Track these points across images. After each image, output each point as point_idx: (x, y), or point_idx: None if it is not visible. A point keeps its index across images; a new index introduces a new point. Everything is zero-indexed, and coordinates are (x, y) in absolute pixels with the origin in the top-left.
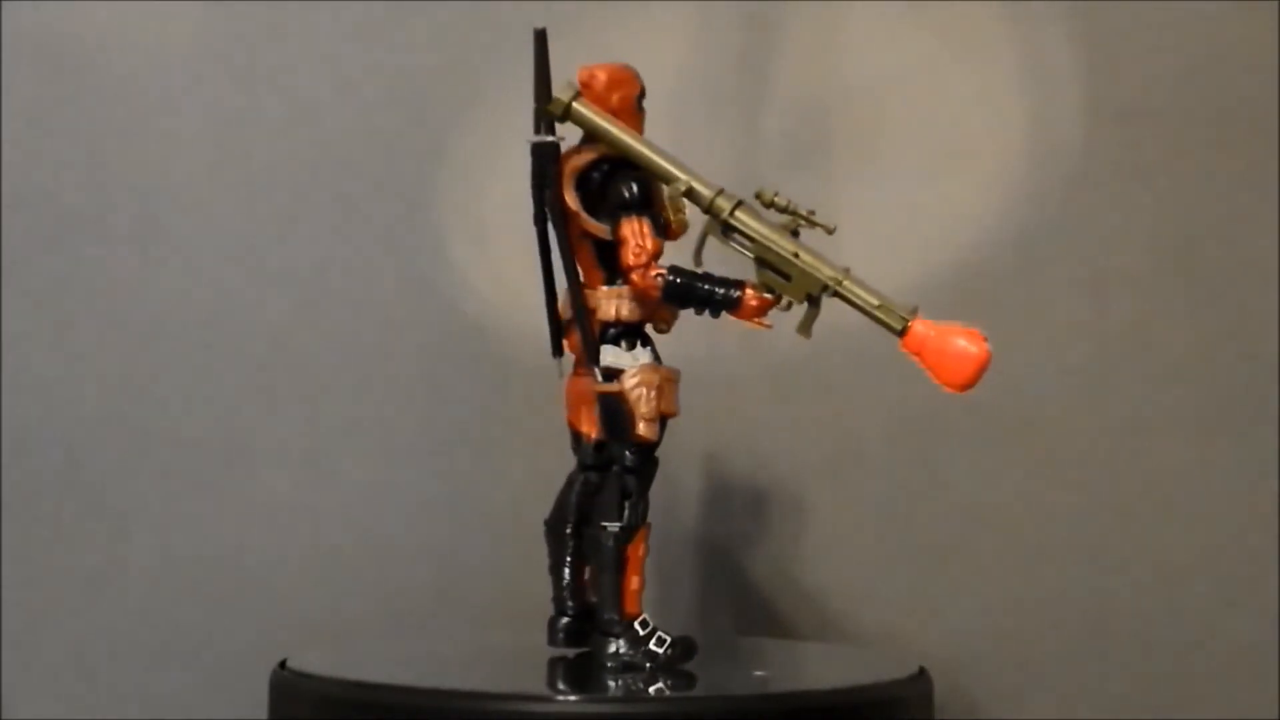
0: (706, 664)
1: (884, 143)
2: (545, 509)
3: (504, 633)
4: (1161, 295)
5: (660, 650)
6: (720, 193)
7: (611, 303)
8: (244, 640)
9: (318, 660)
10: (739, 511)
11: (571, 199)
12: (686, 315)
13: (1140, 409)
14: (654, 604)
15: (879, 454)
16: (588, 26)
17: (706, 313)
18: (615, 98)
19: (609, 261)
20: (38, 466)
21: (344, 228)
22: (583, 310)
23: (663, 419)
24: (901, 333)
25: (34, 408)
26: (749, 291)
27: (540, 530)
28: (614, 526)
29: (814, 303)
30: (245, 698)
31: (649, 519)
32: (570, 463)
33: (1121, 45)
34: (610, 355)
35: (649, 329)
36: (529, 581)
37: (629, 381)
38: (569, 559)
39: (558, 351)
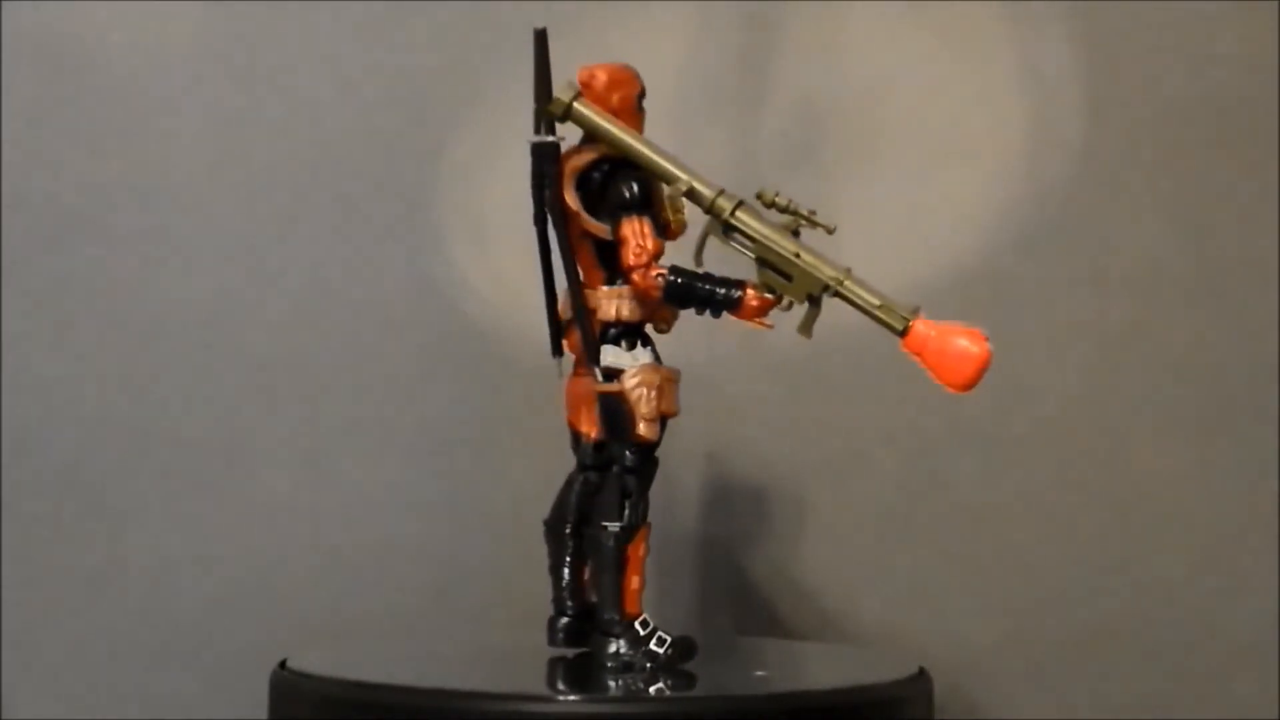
0: (706, 664)
1: (884, 143)
2: (545, 509)
3: (504, 633)
4: (1161, 295)
5: (660, 650)
6: (721, 193)
7: (612, 303)
8: (244, 640)
9: (318, 660)
10: (739, 511)
11: (572, 199)
12: (686, 315)
13: (1140, 409)
14: (654, 604)
15: (879, 454)
16: (588, 26)
17: (707, 313)
18: (615, 98)
19: (609, 261)
20: (38, 466)
21: (344, 228)
22: (583, 310)
23: (663, 419)
24: (903, 333)
25: (34, 408)
26: (750, 291)
27: (540, 530)
28: (614, 526)
29: (815, 303)
30: (245, 698)
31: (649, 519)
32: (570, 463)
33: (1121, 45)
34: (610, 355)
35: (649, 329)
36: (529, 581)
37: (629, 381)
38: (569, 559)
39: (557, 351)
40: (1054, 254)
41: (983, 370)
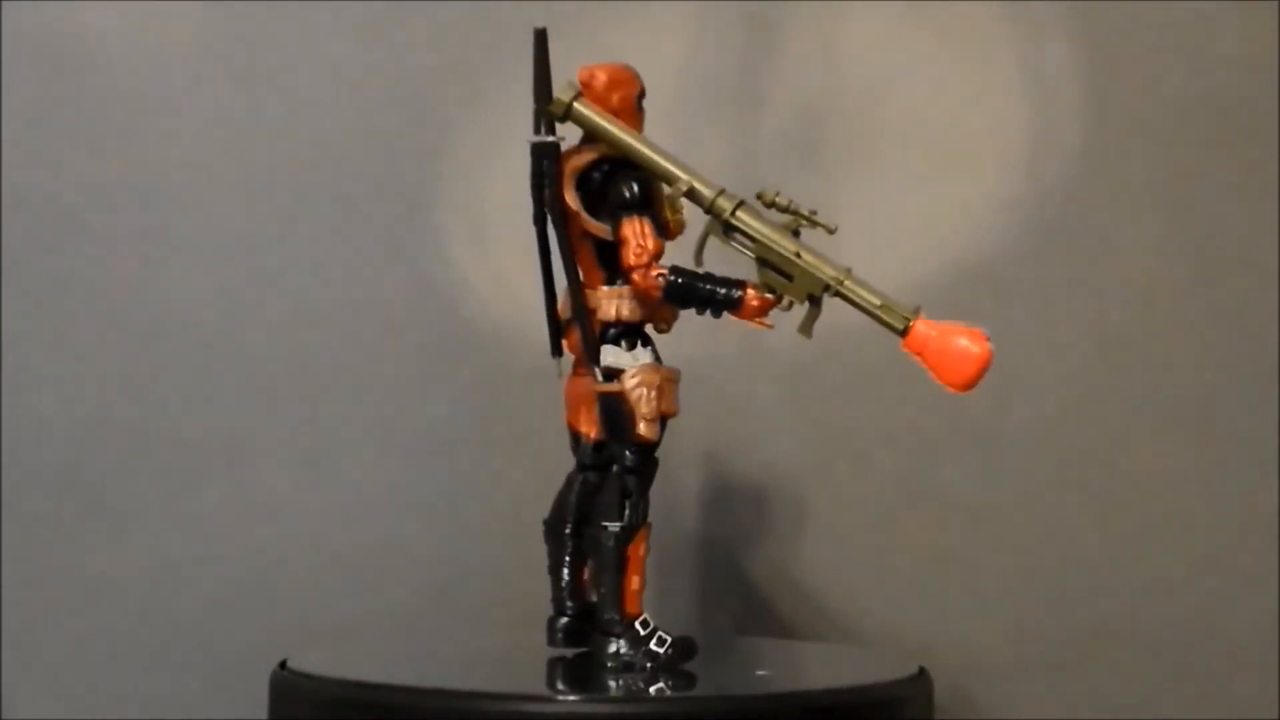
0: (706, 664)
1: (884, 143)
2: (545, 509)
3: (504, 633)
4: (1161, 295)
5: (661, 650)
6: (721, 193)
7: (612, 303)
8: (244, 640)
9: (318, 660)
10: (739, 511)
11: (572, 199)
12: (687, 315)
13: (1140, 409)
14: (654, 604)
15: (879, 454)
16: (588, 26)
17: (707, 313)
18: (615, 98)
19: (609, 261)
20: (38, 466)
21: (344, 228)
22: (583, 310)
23: (663, 419)
24: (903, 332)
25: (34, 408)
26: (750, 291)
27: (540, 530)
28: (615, 526)
29: (815, 302)
30: (245, 698)
31: (649, 519)
32: (570, 463)
33: (1121, 45)
34: (611, 355)
35: (649, 329)
36: (529, 581)
37: (629, 381)
38: (568, 559)
39: (557, 351)
40: (1054, 254)
41: (984, 370)
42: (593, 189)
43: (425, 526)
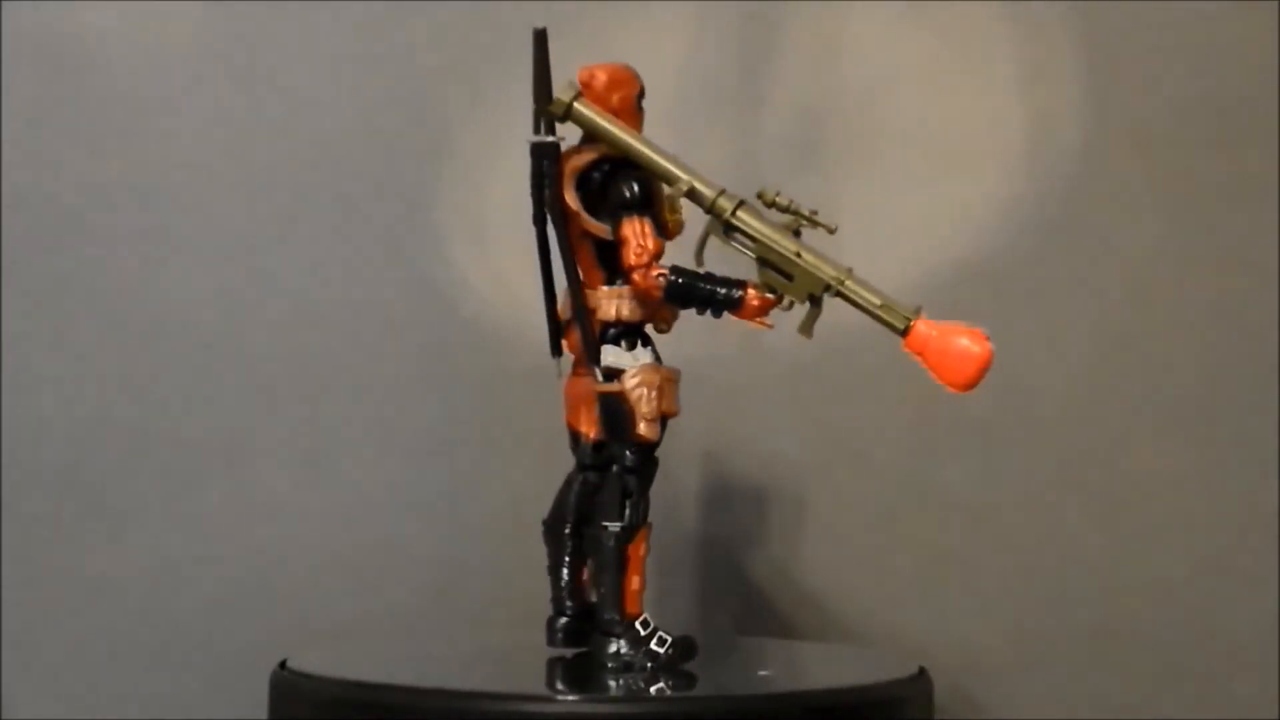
0: (706, 664)
1: (885, 143)
2: (545, 509)
3: (504, 633)
4: (1161, 295)
5: (661, 650)
6: (722, 193)
7: (612, 303)
8: (244, 640)
9: (318, 660)
10: (739, 511)
11: (572, 199)
12: (687, 315)
13: (1140, 409)
14: (654, 604)
15: (879, 454)
16: (588, 26)
17: (707, 313)
18: (615, 98)
19: (609, 261)
20: (38, 466)
21: (344, 228)
22: (583, 310)
23: (663, 419)
24: (904, 332)
25: (34, 408)
26: (751, 291)
27: (540, 530)
28: (615, 526)
29: (816, 302)
30: (245, 698)
31: (649, 519)
32: (570, 463)
33: (1121, 45)
34: (611, 355)
35: (649, 329)
36: (529, 581)
37: (629, 381)
38: (568, 559)
39: (557, 351)
40: (1054, 254)
41: (984, 370)
42: (593, 189)
43: (425, 526)
